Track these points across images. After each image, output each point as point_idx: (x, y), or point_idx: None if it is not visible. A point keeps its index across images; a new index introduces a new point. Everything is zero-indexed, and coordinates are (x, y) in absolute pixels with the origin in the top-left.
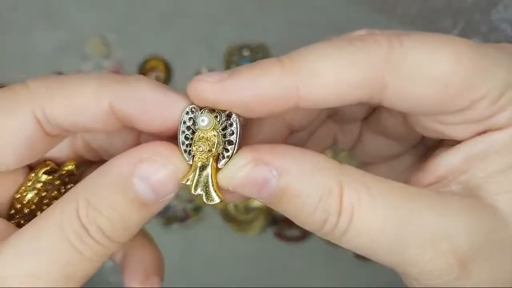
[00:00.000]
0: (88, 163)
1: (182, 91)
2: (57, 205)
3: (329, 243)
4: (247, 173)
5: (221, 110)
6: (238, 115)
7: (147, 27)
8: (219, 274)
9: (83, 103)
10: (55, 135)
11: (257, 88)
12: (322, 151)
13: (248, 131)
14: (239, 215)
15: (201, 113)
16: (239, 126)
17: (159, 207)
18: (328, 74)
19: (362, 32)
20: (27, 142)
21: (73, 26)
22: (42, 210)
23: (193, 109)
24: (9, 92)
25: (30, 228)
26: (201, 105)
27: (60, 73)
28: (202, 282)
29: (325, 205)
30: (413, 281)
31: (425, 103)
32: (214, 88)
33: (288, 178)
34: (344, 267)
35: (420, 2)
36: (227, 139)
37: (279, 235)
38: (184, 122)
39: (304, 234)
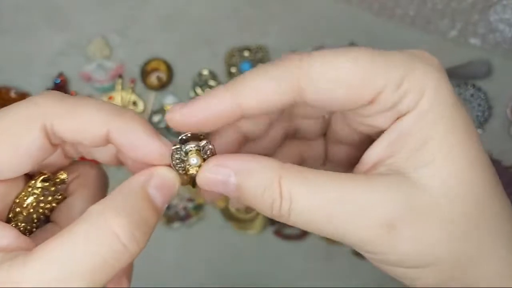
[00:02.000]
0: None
1: (184, 92)
2: (84, 218)
3: (327, 241)
4: (211, 174)
5: (198, 136)
6: (209, 141)
7: (149, 29)
8: (219, 271)
9: (88, 127)
10: (56, 145)
11: (209, 109)
12: None
13: (214, 142)
14: (240, 214)
15: (188, 148)
16: (212, 146)
17: (163, 211)
18: (259, 88)
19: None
20: (36, 151)
21: (75, 28)
22: (38, 213)
23: (176, 144)
24: (24, 106)
25: (57, 239)
26: (174, 127)
27: (62, 74)
28: (202, 279)
29: (269, 193)
30: (358, 250)
31: (337, 101)
32: (180, 114)
33: (241, 176)
34: (342, 264)
35: (419, 3)
36: (207, 155)
37: (279, 234)
38: (173, 154)
39: (303, 233)
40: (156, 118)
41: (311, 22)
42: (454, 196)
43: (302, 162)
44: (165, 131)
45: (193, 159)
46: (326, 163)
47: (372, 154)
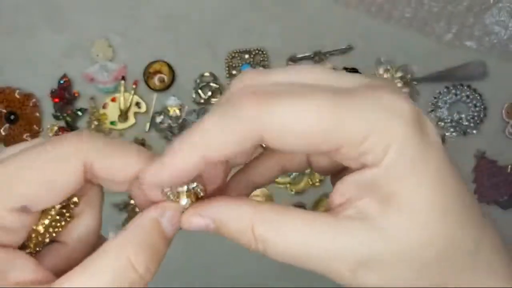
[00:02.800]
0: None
1: (186, 93)
2: (106, 251)
3: None
4: (194, 220)
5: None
6: (198, 184)
7: (151, 31)
8: (219, 270)
9: (123, 169)
10: (88, 180)
11: (176, 168)
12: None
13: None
14: None
15: (180, 190)
16: (202, 186)
17: (171, 240)
18: (219, 143)
19: (240, 82)
20: (72, 186)
21: (78, 30)
22: (51, 237)
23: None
24: (68, 141)
25: (80, 272)
26: (146, 189)
27: (65, 76)
28: (203, 278)
29: (245, 238)
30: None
31: (299, 150)
32: (148, 179)
33: (218, 224)
34: None
35: (416, 6)
36: (200, 195)
37: None
38: (167, 194)
39: None
40: (158, 119)
41: (310, 24)
42: (421, 245)
43: (284, 171)
44: (167, 132)
45: (183, 200)
46: (310, 169)
47: (342, 191)
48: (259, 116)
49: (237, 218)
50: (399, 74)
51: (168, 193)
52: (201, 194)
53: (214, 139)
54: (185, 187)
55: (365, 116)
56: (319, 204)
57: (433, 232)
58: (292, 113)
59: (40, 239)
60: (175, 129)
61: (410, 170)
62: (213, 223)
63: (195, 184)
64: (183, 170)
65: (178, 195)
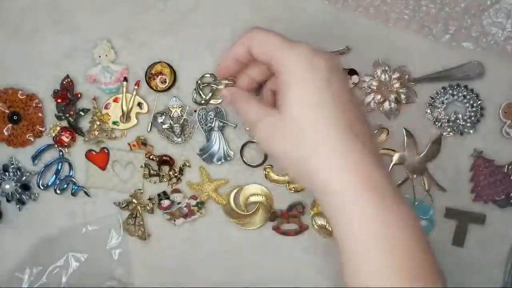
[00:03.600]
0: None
1: (187, 94)
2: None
3: (325, 235)
4: (223, 93)
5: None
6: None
7: (153, 33)
8: (221, 265)
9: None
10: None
11: (232, 56)
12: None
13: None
14: (240, 210)
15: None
16: (234, 83)
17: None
18: (234, 50)
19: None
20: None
21: (81, 31)
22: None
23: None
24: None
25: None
26: (220, 75)
27: (67, 77)
28: (205, 272)
29: (243, 109)
30: None
31: (263, 59)
32: (219, 67)
33: (232, 98)
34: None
35: (414, 8)
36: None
37: (277, 229)
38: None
39: (301, 228)
40: (160, 119)
41: (308, 26)
42: (298, 120)
43: (263, 74)
44: (169, 132)
45: (222, 85)
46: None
47: (270, 87)
48: (250, 38)
49: (239, 94)
50: (396, 75)
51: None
52: (232, 83)
53: (234, 50)
54: (226, 80)
55: (287, 51)
56: (317, 202)
57: (301, 112)
58: (262, 39)
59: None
60: (176, 128)
61: (295, 82)
62: (230, 97)
63: (229, 79)
64: (225, 67)
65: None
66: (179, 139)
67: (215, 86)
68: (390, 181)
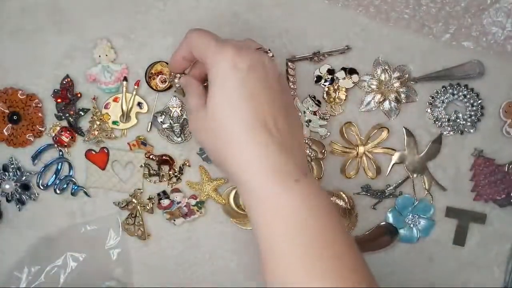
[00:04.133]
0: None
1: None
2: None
3: None
4: (178, 81)
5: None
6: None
7: (153, 33)
8: (220, 263)
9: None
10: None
11: (172, 62)
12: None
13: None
14: (240, 210)
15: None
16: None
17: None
18: (177, 53)
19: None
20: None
21: (81, 31)
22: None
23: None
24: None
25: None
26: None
27: (67, 77)
28: (205, 271)
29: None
30: None
31: (200, 58)
32: (170, 65)
33: (182, 82)
34: None
35: (414, 8)
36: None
37: None
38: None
39: None
40: (160, 119)
41: (308, 25)
42: (214, 116)
43: (203, 72)
44: (169, 131)
45: (178, 78)
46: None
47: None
48: (189, 40)
49: (189, 81)
50: (396, 74)
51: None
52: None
53: (178, 52)
54: (178, 74)
55: (215, 53)
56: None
57: (218, 109)
58: (198, 41)
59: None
60: (176, 128)
61: (216, 81)
62: (180, 82)
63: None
64: (175, 65)
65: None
66: (179, 139)
67: (171, 81)
68: (303, 170)
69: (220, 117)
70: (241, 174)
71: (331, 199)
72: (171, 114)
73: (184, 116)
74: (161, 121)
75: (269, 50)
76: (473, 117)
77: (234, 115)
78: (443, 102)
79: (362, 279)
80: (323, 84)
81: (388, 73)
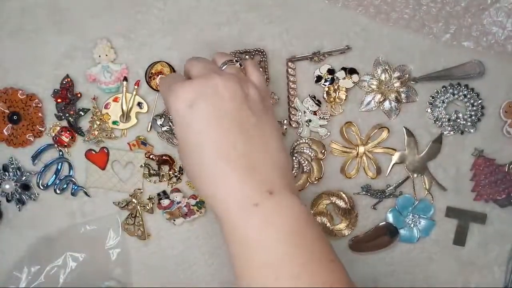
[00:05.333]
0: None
1: None
2: None
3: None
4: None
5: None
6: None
7: (153, 33)
8: (220, 265)
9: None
10: None
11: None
12: None
13: None
14: None
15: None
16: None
17: None
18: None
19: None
20: None
21: (81, 31)
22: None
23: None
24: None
25: None
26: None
27: (67, 77)
28: (204, 271)
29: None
30: None
31: None
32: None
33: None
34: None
35: (414, 8)
36: None
37: None
38: None
39: None
40: (159, 122)
41: (308, 25)
42: (180, 153)
43: None
44: (169, 134)
45: None
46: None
47: None
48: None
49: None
50: (397, 74)
51: None
52: None
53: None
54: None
55: (167, 99)
56: (317, 201)
57: (180, 148)
58: (161, 89)
59: None
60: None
61: (175, 125)
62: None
63: None
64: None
65: None
66: None
67: None
68: (269, 187)
69: (182, 155)
70: (212, 206)
71: (331, 199)
72: (171, 117)
73: None
74: (160, 124)
75: (240, 58)
76: (473, 117)
77: (191, 154)
78: (443, 102)
79: None
80: (323, 84)
81: (388, 73)
